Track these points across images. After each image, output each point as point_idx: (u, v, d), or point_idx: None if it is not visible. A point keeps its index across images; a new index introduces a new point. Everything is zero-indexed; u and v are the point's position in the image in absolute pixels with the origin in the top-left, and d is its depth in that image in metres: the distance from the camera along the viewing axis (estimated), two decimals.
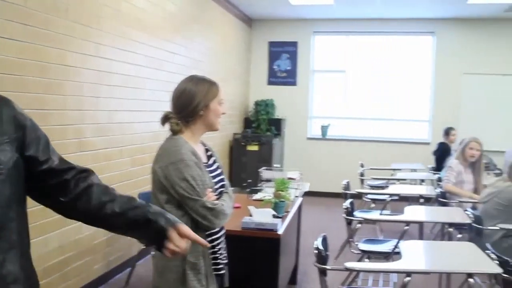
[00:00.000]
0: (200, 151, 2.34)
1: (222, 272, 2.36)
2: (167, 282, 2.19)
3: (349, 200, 4.62)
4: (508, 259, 3.10)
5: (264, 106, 9.07)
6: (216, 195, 2.27)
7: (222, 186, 2.37)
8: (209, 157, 2.41)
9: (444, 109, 9.01)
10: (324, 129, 9.53)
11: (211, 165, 2.36)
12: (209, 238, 2.26)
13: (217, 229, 2.31)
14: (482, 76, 8.87)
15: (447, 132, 7.76)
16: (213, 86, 2.32)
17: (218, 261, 2.33)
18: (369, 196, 6.45)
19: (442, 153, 7.54)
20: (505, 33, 8.82)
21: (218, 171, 2.39)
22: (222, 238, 2.40)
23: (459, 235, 4.79)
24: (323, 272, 2.99)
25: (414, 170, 7.73)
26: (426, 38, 9.27)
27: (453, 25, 8.96)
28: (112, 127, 4.67)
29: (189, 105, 2.26)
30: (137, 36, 5.04)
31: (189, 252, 2.17)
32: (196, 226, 2.17)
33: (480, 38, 8.90)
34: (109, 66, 4.55)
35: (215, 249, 2.31)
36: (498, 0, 7.56)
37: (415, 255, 3.19)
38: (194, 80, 2.32)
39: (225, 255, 2.43)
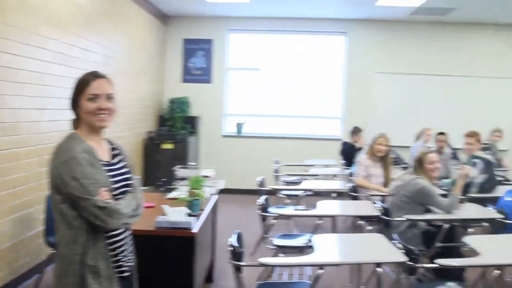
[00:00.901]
0: (103, 149, 2.24)
1: (126, 274, 2.26)
2: (66, 287, 2.08)
3: (264, 197, 4.66)
4: (412, 247, 3.25)
5: (179, 104, 8.95)
6: (116, 194, 2.16)
7: (127, 185, 2.25)
8: (114, 155, 2.30)
9: (356, 106, 9.36)
10: (239, 126, 9.58)
11: (114, 164, 2.25)
12: (109, 240, 2.15)
13: (119, 231, 2.20)
14: (392, 75, 9.31)
15: (355, 131, 8.06)
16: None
17: (121, 263, 2.22)
18: (284, 192, 6.55)
19: (347, 152, 7.83)
20: (412, 35, 9.33)
21: (123, 171, 2.27)
22: (126, 240, 2.28)
23: (369, 227, 4.97)
24: (238, 269, 2.99)
25: (327, 166, 7.95)
26: (339, 38, 9.56)
27: (364, 25, 9.33)
28: (19, 126, 4.41)
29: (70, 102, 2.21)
30: (45, 31, 4.78)
31: (88, 255, 2.07)
32: (94, 227, 2.08)
33: (390, 38, 9.35)
34: (15, 62, 4.29)
35: (117, 251, 2.19)
36: (405, 4, 7.93)
37: (327, 248, 3.28)
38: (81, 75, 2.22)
39: (131, 257, 2.32)
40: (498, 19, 8.93)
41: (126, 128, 7.33)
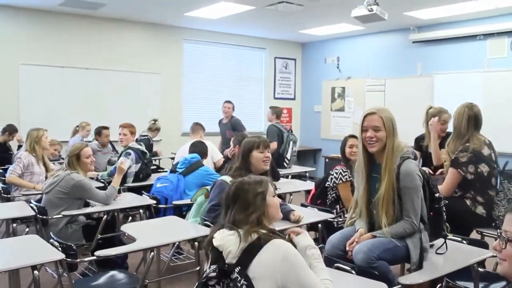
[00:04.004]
0: None
1: None
2: None
3: None
4: (70, 243, 3.22)
5: None
6: None
7: None
8: None
9: (4, 101, 8.54)
10: None
11: None
12: None
13: None
14: (42, 68, 8.81)
15: (8, 130, 7.59)
16: None
17: None
18: None
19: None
20: (61, 26, 9.01)
21: None
22: None
23: (28, 229, 4.72)
24: None
25: None
26: None
27: (8, 12, 8.56)
28: None
29: None
30: None
31: None
32: None
33: (38, 29, 8.82)
34: None
35: None
36: None
37: None
38: None
39: None
40: (144, 18, 9.54)
41: None
